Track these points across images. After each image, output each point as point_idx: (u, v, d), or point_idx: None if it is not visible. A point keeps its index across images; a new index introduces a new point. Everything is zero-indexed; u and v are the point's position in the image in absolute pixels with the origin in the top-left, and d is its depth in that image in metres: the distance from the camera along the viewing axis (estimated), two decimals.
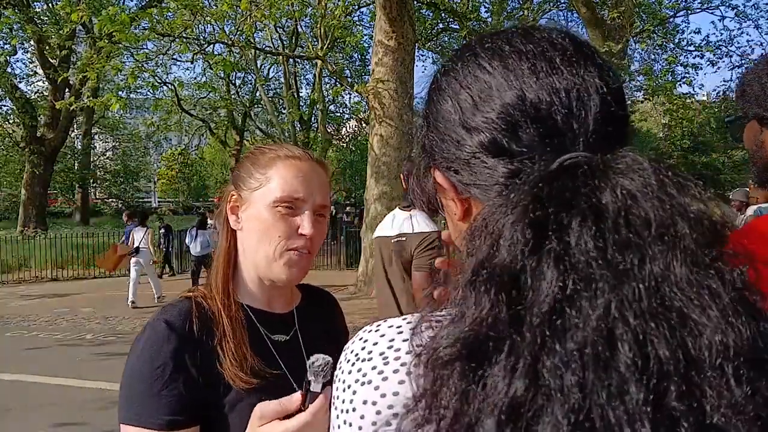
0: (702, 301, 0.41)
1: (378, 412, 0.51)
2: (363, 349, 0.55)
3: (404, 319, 0.56)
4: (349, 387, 0.54)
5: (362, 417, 0.52)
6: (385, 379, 0.52)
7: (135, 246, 10.53)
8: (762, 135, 1.21)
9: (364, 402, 0.52)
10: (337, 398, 0.55)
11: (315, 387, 0.87)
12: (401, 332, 0.54)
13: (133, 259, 10.55)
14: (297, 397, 0.89)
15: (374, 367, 0.53)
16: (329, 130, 26.24)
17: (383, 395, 0.51)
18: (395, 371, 0.52)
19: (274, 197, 1.05)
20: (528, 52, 0.54)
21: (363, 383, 0.53)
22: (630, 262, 0.41)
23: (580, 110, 0.51)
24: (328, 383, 0.88)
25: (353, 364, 0.55)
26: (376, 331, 0.56)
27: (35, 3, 20.56)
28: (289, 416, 0.88)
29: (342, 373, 0.56)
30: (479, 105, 0.54)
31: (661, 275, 0.41)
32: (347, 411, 0.54)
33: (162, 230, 15.76)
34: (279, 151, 1.10)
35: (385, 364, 0.52)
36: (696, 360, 0.40)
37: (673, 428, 0.38)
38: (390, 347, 0.53)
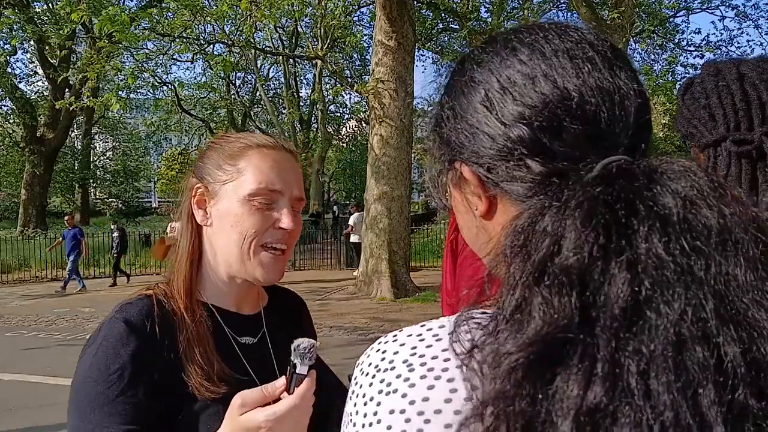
0: (766, 305, 0.42)
1: (407, 420, 0.49)
2: (383, 360, 0.53)
3: (422, 326, 0.54)
4: (371, 399, 0.51)
5: (389, 427, 0.50)
6: (412, 386, 0.50)
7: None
8: (692, 150, 1.31)
9: (391, 411, 0.50)
10: (356, 413, 0.52)
11: (301, 369, 0.85)
12: (422, 339, 0.53)
13: None
14: (281, 382, 0.86)
15: (399, 375, 0.51)
16: (329, 130, 26.25)
17: (412, 402, 0.49)
18: (422, 377, 0.50)
19: (248, 190, 0.97)
20: (569, 49, 0.53)
21: (388, 393, 0.51)
22: (698, 267, 0.43)
23: (623, 114, 0.51)
24: (313, 366, 0.87)
25: (374, 376, 0.52)
26: (393, 341, 0.54)
27: (35, 3, 20.57)
28: (270, 403, 0.85)
29: (360, 387, 0.53)
30: (519, 99, 0.52)
31: (726, 281, 0.43)
32: (371, 424, 0.51)
33: (115, 234, 13.60)
34: (248, 139, 1.02)
35: (410, 371, 0.51)
36: (764, 361, 0.41)
37: (747, 427, 0.40)
38: (413, 354, 0.52)
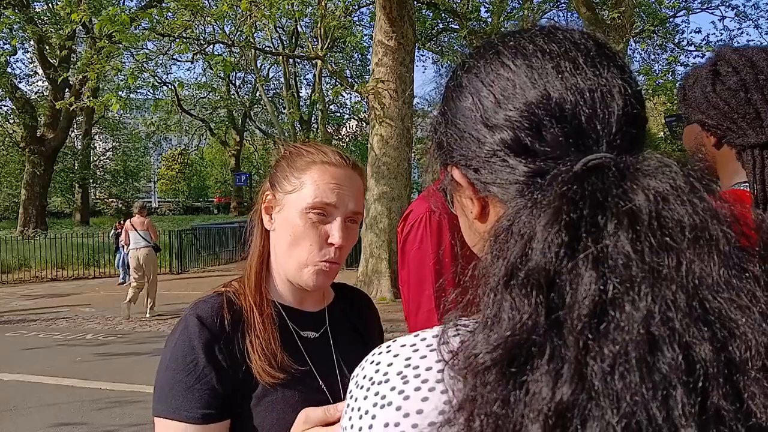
0: (741, 303, 0.41)
1: None
2: (377, 372, 0.53)
3: (416, 336, 0.54)
4: (366, 413, 0.51)
5: None
6: (406, 398, 0.50)
7: None
8: (703, 139, 1.25)
9: (386, 425, 0.50)
10: (351, 427, 0.52)
11: None
12: (417, 350, 0.52)
13: None
14: (342, 406, 0.88)
15: (393, 388, 0.51)
16: (329, 130, 26.27)
17: (406, 415, 0.49)
18: (417, 389, 0.50)
19: (306, 203, 1.05)
20: (552, 51, 0.54)
21: (383, 406, 0.50)
22: (668, 265, 0.42)
23: (604, 111, 0.51)
24: None
25: (368, 389, 0.52)
26: (387, 352, 0.54)
27: (35, 3, 20.56)
28: (332, 423, 0.88)
29: (355, 400, 0.53)
30: (502, 103, 0.54)
31: (699, 278, 0.42)
32: None
33: None
34: (315, 155, 1.10)
35: (405, 383, 0.50)
36: (739, 361, 0.40)
37: (720, 429, 0.39)
38: (407, 365, 0.51)
